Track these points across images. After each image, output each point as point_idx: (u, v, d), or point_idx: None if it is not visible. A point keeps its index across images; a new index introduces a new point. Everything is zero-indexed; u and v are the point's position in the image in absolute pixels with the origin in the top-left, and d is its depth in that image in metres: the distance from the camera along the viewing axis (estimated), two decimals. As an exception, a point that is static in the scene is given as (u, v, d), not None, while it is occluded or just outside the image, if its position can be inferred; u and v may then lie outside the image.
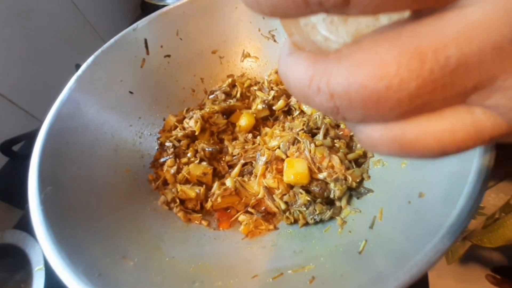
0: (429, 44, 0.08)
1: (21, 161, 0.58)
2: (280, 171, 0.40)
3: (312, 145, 0.40)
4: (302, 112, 0.48)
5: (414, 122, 0.10)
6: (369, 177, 0.38)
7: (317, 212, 0.37)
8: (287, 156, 0.41)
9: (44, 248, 0.26)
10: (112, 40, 0.45)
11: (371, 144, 0.11)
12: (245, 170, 0.43)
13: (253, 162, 0.43)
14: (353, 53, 0.09)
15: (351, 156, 0.40)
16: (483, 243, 0.65)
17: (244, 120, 0.48)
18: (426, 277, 0.49)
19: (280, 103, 0.49)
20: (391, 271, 0.22)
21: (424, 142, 0.10)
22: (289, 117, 0.49)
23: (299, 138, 0.42)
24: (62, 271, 0.24)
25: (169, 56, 0.51)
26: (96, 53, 0.44)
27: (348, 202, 0.37)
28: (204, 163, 0.44)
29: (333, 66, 0.10)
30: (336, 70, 0.10)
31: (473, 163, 0.24)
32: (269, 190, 0.40)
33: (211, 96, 0.52)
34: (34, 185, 0.30)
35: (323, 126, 0.43)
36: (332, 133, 0.42)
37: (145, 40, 0.48)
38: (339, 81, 0.09)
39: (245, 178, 0.42)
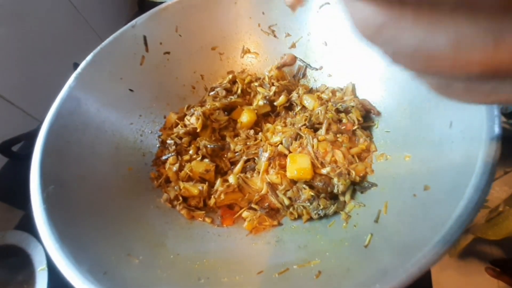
0: None
1: (21, 161, 0.58)
2: (283, 167, 0.40)
3: (315, 140, 0.40)
4: (303, 107, 0.48)
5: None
6: (372, 171, 0.38)
7: (321, 207, 0.37)
8: (290, 152, 0.41)
9: (48, 247, 0.26)
10: (111, 38, 0.45)
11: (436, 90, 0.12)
12: (248, 166, 0.43)
13: (256, 158, 0.43)
14: (434, 17, 0.09)
15: (354, 150, 0.40)
16: (487, 236, 0.66)
17: (245, 117, 0.48)
18: (428, 270, 0.49)
19: (281, 99, 0.48)
20: (399, 263, 0.22)
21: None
22: (290, 113, 0.49)
23: (301, 134, 0.42)
24: (67, 270, 0.24)
25: (168, 53, 0.50)
26: (95, 51, 0.43)
27: (352, 196, 0.37)
28: (206, 160, 0.43)
29: (408, 23, 0.10)
30: (410, 29, 0.10)
31: (479, 153, 0.24)
32: (273, 186, 0.40)
33: (211, 93, 0.52)
34: (36, 184, 0.30)
35: (325, 121, 0.42)
36: (334, 127, 0.42)
37: (144, 37, 0.48)
38: (409, 43, 0.10)
39: (248, 175, 0.42)
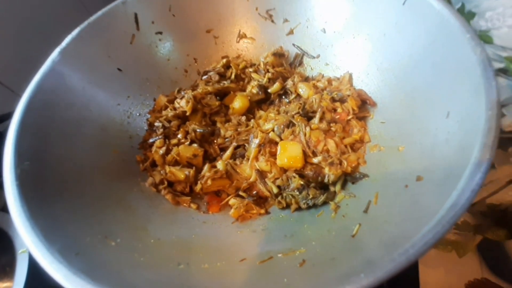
0: None
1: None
2: (273, 154, 0.39)
3: (308, 128, 0.39)
4: (298, 95, 0.46)
5: None
6: (365, 162, 0.37)
7: (310, 196, 0.35)
8: (281, 139, 0.39)
9: (17, 225, 0.24)
10: (99, 13, 0.43)
11: None
12: (238, 153, 0.42)
13: (246, 145, 0.42)
14: None
15: (347, 140, 0.39)
16: (497, 237, 0.65)
17: (238, 102, 0.46)
18: (416, 266, 0.49)
19: (276, 86, 0.47)
20: (385, 254, 0.20)
21: None
22: (284, 101, 0.47)
23: (294, 121, 0.40)
24: (35, 249, 0.23)
25: (160, 33, 0.48)
26: (82, 25, 0.41)
27: (343, 187, 0.36)
28: (194, 145, 0.42)
29: None
30: None
31: (475, 144, 0.22)
32: (262, 174, 0.38)
33: (204, 77, 0.50)
34: (9, 159, 0.28)
35: (319, 109, 0.41)
36: (328, 116, 0.40)
37: (135, 15, 0.45)
38: None
39: (237, 161, 0.41)
